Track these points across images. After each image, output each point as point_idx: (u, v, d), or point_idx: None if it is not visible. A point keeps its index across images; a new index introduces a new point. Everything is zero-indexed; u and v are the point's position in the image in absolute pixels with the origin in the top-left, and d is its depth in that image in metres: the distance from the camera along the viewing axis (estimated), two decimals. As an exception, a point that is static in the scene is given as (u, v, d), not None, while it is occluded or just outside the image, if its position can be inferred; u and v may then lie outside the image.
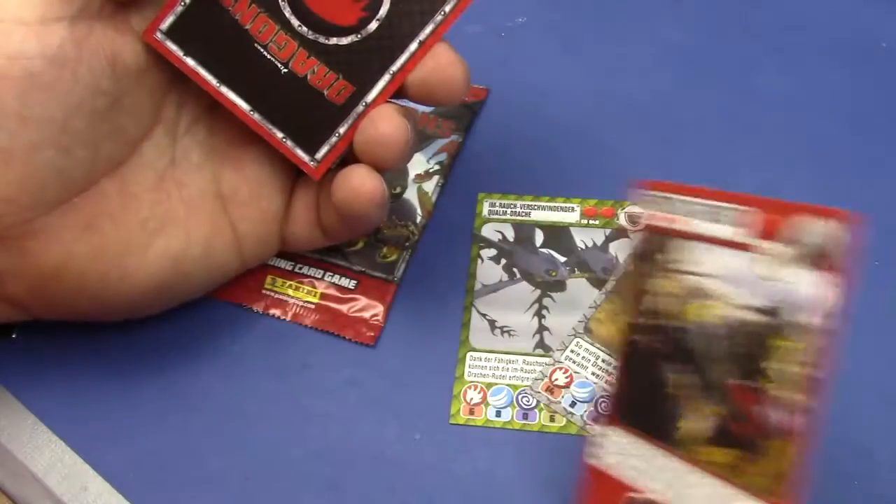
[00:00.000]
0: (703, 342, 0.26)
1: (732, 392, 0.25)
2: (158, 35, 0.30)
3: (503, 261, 0.38)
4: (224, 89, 0.31)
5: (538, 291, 0.37)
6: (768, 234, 0.24)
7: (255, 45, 0.31)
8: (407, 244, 0.38)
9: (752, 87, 0.43)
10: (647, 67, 0.43)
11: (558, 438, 0.33)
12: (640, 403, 0.27)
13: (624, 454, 0.27)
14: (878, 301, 0.36)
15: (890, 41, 0.44)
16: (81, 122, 0.28)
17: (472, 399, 0.34)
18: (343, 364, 0.35)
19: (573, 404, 0.34)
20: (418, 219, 0.38)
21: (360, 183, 0.31)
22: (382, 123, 0.30)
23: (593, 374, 0.35)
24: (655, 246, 0.27)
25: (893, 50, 0.44)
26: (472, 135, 0.42)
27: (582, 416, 0.34)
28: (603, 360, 0.35)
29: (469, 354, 0.35)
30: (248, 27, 0.31)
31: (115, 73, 0.29)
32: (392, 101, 0.32)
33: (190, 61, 0.31)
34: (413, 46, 0.31)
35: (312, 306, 0.36)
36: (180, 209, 0.32)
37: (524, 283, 0.37)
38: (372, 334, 0.36)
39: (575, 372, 0.35)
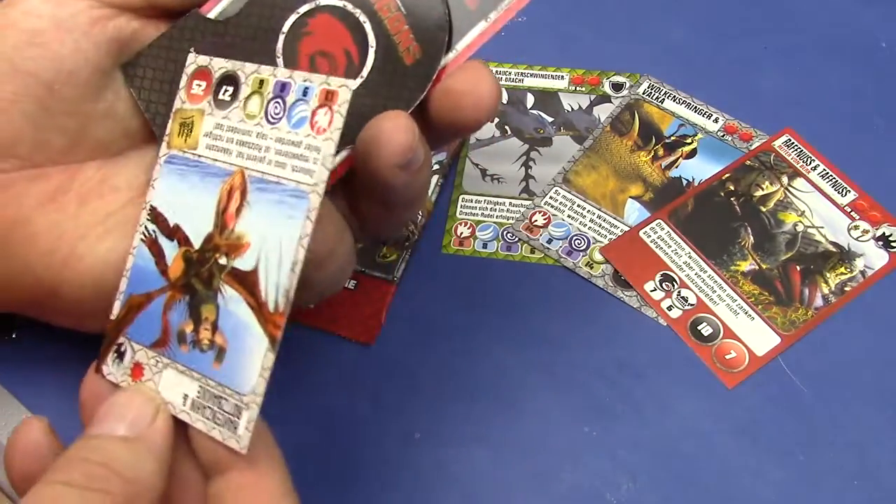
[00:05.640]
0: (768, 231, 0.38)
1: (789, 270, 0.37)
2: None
3: (496, 119, 0.42)
4: None
5: (526, 146, 0.41)
6: (867, 219, 0.38)
7: None
8: (406, 244, 0.38)
9: (752, 86, 0.43)
10: (646, 67, 0.43)
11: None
12: None
13: None
14: (878, 300, 0.36)
15: (890, 41, 0.44)
16: (71, 91, 0.28)
17: (461, 233, 0.39)
18: (342, 363, 0.35)
19: (550, 241, 0.38)
20: (418, 218, 0.38)
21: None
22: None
23: (569, 217, 0.39)
24: (786, 171, 0.39)
25: (893, 50, 0.44)
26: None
27: (557, 250, 0.38)
28: (577, 206, 0.39)
29: (461, 196, 0.40)
30: None
31: (125, 58, 0.29)
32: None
33: None
34: None
35: (312, 305, 0.36)
36: None
37: (514, 139, 0.42)
38: (371, 333, 0.36)
39: (553, 215, 0.39)
